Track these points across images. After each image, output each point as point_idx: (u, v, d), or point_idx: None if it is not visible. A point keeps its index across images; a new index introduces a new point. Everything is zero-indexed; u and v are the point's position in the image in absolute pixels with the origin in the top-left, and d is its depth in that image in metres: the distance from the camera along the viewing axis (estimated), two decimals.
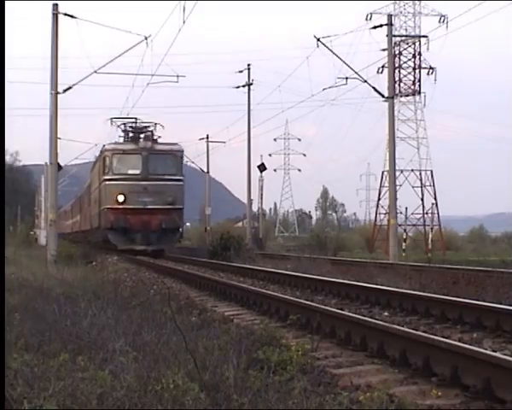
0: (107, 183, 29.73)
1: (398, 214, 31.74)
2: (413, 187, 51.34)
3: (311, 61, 27.52)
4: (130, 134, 31.41)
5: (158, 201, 29.08)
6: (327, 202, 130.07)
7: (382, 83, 28.41)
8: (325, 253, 30.51)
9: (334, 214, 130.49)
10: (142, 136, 30.58)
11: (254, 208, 49.72)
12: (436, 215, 46.81)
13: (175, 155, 30.21)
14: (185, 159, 33.75)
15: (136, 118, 31.85)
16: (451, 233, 55.81)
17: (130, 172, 29.64)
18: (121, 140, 31.74)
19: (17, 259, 20.54)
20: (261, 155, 49.70)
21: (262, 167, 43.04)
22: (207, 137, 50.44)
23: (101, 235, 31.28)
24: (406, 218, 37.72)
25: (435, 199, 50.12)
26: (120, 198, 28.98)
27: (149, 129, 31.04)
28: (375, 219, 53.09)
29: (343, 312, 8.59)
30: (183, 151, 31.29)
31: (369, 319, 7.61)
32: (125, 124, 31.60)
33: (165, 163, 29.84)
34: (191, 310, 9.19)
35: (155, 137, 30.72)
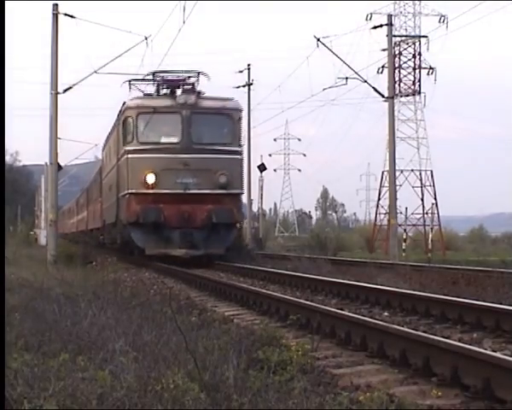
0: (130, 156, 20.35)
1: (398, 214, 31.76)
2: (413, 187, 51.38)
3: (311, 61, 27.46)
4: (163, 90, 21.61)
5: (206, 183, 20.01)
6: (327, 202, 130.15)
7: (382, 83, 28.43)
8: (325, 253, 30.49)
9: (334, 214, 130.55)
10: (179, 91, 20.92)
11: (254, 208, 49.72)
12: (436, 215, 46.82)
13: (230, 116, 20.84)
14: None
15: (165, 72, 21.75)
16: (451, 233, 55.80)
17: (164, 140, 20.65)
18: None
19: (17, 259, 20.54)
20: (261, 155, 49.65)
21: (262, 167, 43.00)
22: None
23: (120, 234, 22.56)
24: (406, 218, 37.68)
25: (435, 199, 50.15)
26: (150, 179, 19.85)
27: (190, 80, 21.20)
28: (375, 219, 53.10)
29: (343, 312, 8.59)
30: (241, 110, 21.62)
31: (369, 319, 7.61)
32: (153, 76, 21.49)
33: (217, 127, 20.93)
34: (191, 310, 9.19)
35: (199, 91, 21.07)
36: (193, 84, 20.97)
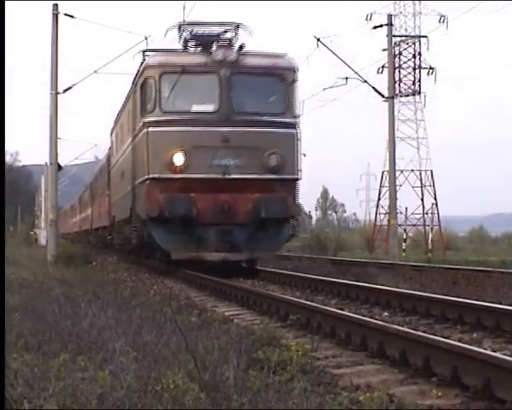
0: (151, 130, 15.73)
1: (398, 214, 31.73)
2: (413, 187, 51.35)
3: (311, 61, 27.33)
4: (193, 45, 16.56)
5: (251, 165, 15.54)
6: (327, 202, 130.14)
7: (382, 83, 28.40)
8: (325, 253, 30.51)
9: (334, 214, 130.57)
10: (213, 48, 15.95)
11: None
12: (436, 215, 46.83)
13: (283, 77, 15.97)
14: None
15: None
16: (451, 233, 55.80)
17: (196, 108, 16.08)
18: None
19: (17, 259, 20.55)
20: None
21: None
22: None
23: (136, 233, 17.61)
24: (406, 218, 37.65)
25: (435, 199, 50.12)
26: (178, 160, 15.36)
27: (227, 35, 16.22)
28: (375, 220, 53.08)
29: (343, 312, 8.59)
30: (296, 69, 16.28)
31: (369, 319, 7.62)
32: (179, 30, 16.38)
33: (266, 92, 16.34)
34: (191, 310, 9.19)
35: (242, 44, 16.07)
36: (230, 40, 16.12)
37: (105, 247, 27.96)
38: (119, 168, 21.85)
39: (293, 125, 16.19)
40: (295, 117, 16.27)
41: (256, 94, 16.27)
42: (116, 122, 23.75)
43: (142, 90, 16.47)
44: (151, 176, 15.66)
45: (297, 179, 16.24)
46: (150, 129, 15.80)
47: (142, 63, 16.76)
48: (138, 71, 17.11)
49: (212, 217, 15.29)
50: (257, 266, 16.96)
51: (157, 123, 15.77)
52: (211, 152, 15.42)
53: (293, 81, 16.20)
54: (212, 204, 15.26)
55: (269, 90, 16.35)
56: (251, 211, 15.40)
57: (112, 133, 25.34)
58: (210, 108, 15.83)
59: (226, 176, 15.45)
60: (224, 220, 15.33)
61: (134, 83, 17.84)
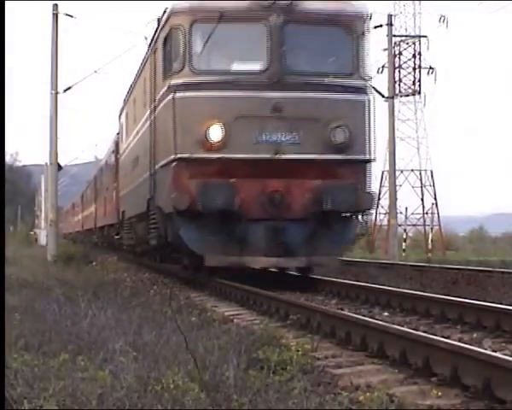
0: (179, 96, 12.19)
1: (398, 214, 31.74)
2: (413, 187, 51.37)
3: None
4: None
5: (311, 142, 12.22)
6: None
7: (382, 83, 28.41)
8: None
9: None
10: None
11: None
12: (436, 215, 46.86)
13: (350, 26, 12.51)
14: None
15: None
16: (451, 233, 55.81)
17: (237, 67, 12.74)
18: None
19: (17, 259, 20.55)
20: None
21: None
22: None
23: (156, 232, 14.31)
24: (406, 218, 37.71)
25: (435, 199, 50.15)
26: (215, 134, 11.97)
27: None
28: (375, 219, 53.11)
29: (343, 312, 8.60)
30: (367, 17, 12.83)
31: (369, 319, 7.62)
32: None
33: (328, 45, 12.81)
34: (191, 310, 9.19)
35: None
36: None
37: (111, 248, 25.68)
38: (131, 154, 18.28)
39: (365, 90, 12.62)
40: (367, 79, 12.72)
41: (316, 49, 12.69)
42: (126, 101, 20.13)
43: (166, 45, 12.90)
44: (179, 156, 12.05)
45: (369, 161, 12.63)
46: (178, 94, 12.11)
47: (164, 12, 13.02)
48: (159, 23, 13.66)
49: (259, 210, 11.97)
50: (312, 274, 13.41)
51: (187, 86, 12.12)
52: (258, 124, 11.97)
53: (365, 33, 12.61)
54: (259, 193, 11.91)
55: (333, 44, 12.76)
56: (310, 202, 12.03)
57: (120, 115, 21.75)
58: (256, 66, 12.31)
59: (278, 156, 11.98)
60: (276, 215, 11.98)
61: (153, 40, 14.39)
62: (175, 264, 15.62)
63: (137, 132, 16.96)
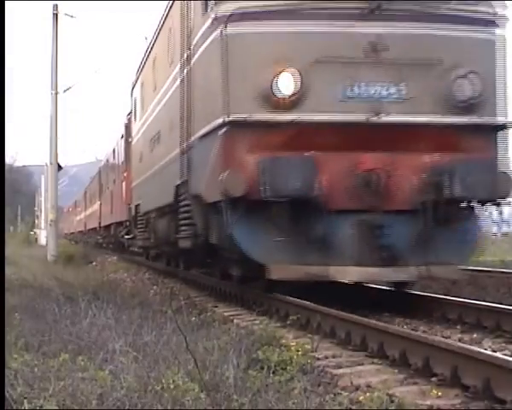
0: (232, 31, 8.27)
1: None
2: None
3: None
4: None
5: (425, 97, 8.40)
6: None
7: None
8: None
9: None
10: None
11: None
12: None
13: None
14: None
15: None
16: None
17: None
18: None
19: (17, 259, 20.55)
20: None
21: None
22: None
23: (192, 230, 10.53)
24: None
25: None
26: (285, 85, 8.15)
27: None
28: None
29: (343, 312, 8.58)
30: None
31: (369, 320, 7.62)
32: None
33: None
34: (191, 310, 9.19)
35: None
36: None
37: (119, 250, 22.72)
38: (150, 132, 14.81)
39: (496, 23, 8.82)
40: (498, 8, 8.79)
41: None
42: (141, 68, 16.50)
43: None
44: (232, 118, 8.39)
45: (504, 126, 8.85)
46: (230, 28, 8.40)
47: None
48: None
49: (348, 198, 8.43)
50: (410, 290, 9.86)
51: (241, 17, 8.43)
52: (347, 72, 8.43)
53: None
54: (348, 173, 8.41)
55: None
56: (425, 187, 8.48)
57: (133, 89, 18.04)
58: None
59: (377, 118, 8.39)
60: (373, 205, 8.42)
61: None
62: (209, 274, 12.45)
63: (159, 101, 13.49)
